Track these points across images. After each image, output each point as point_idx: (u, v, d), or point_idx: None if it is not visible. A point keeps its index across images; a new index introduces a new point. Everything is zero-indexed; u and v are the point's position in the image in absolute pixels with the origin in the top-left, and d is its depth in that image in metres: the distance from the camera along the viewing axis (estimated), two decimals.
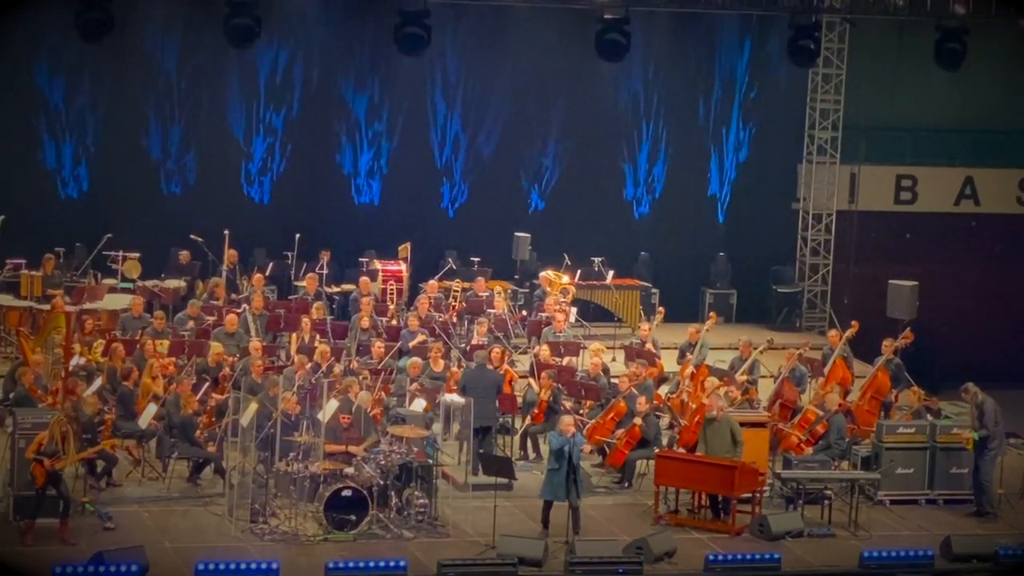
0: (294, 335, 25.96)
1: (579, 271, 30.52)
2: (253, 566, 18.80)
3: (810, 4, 27.58)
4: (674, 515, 21.87)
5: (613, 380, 24.69)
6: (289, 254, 29.79)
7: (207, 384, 23.24)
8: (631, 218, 32.90)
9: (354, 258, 30.57)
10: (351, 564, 19.05)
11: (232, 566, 18.69)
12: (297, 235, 29.71)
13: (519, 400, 24.48)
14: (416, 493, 21.11)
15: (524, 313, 29.51)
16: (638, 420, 22.89)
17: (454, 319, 28.09)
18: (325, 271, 29.51)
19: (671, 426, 24.14)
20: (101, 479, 21.86)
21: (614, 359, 27.41)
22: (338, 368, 23.82)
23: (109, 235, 28.74)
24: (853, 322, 26.08)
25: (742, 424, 22.04)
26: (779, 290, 32.77)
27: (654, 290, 31.33)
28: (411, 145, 31.93)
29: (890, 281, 29.68)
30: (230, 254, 28.79)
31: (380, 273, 29.38)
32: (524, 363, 26.29)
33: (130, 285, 28.34)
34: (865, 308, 29.67)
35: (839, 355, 25.39)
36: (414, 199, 32.01)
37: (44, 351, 24.08)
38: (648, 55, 31.95)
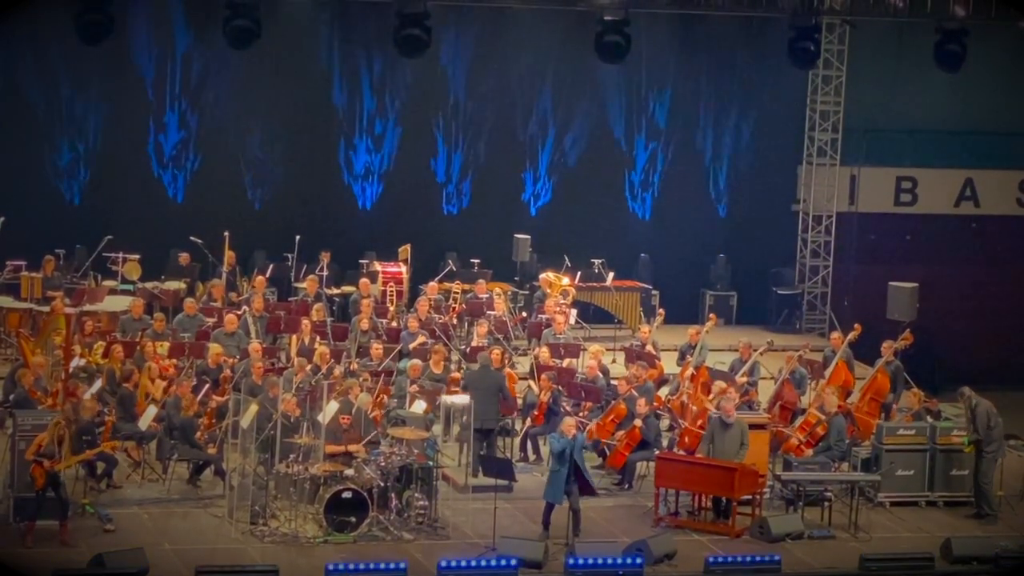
0: (294, 337, 25.96)
1: (579, 273, 30.51)
2: (253, 568, 18.79)
3: (810, 6, 27.58)
4: (674, 517, 21.87)
5: (613, 382, 24.70)
6: (289, 256, 29.79)
7: (207, 386, 23.24)
8: (631, 220, 32.88)
9: (354, 260, 30.57)
10: (351, 566, 19.04)
11: (232, 568, 18.68)
12: (297, 237, 29.71)
13: (519, 402, 24.47)
14: (416, 495, 21.10)
15: (524, 315, 29.51)
16: (638, 422, 22.88)
17: (454, 321, 28.10)
18: (325, 273, 29.50)
19: (671, 428, 24.14)
20: (101, 481, 21.86)
21: (614, 361, 27.40)
22: (338, 370, 23.83)
23: (109, 237, 28.73)
24: (856, 325, 26.08)
25: None
26: (779, 292, 32.75)
27: (654, 292, 31.32)
28: (411, 147, 31.91)
29: (890, 283, 29.65)
30: (230, 255, 28.79)
31: (380, 275, 29.37)
32: (524, 365, 26.28)
33: (130, 287, 28.33)
34: (865, 310, 29.64)
35: (841, 357, 25.39)
36: (414, 201, 31.99)
37: (44, 353, 24.06)
38: (648, 57, 31.92)
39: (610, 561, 19.53)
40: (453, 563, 19.21)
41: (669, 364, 26.36)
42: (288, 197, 31.47)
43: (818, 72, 31.99)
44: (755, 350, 25.59)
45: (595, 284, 30.57)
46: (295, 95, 31.32)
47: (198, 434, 22.10)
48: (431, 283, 28.93)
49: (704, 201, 33.08)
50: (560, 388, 24.18)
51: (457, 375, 24.32)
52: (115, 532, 20.38)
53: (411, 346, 25.65)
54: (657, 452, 22.76)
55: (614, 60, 26.60)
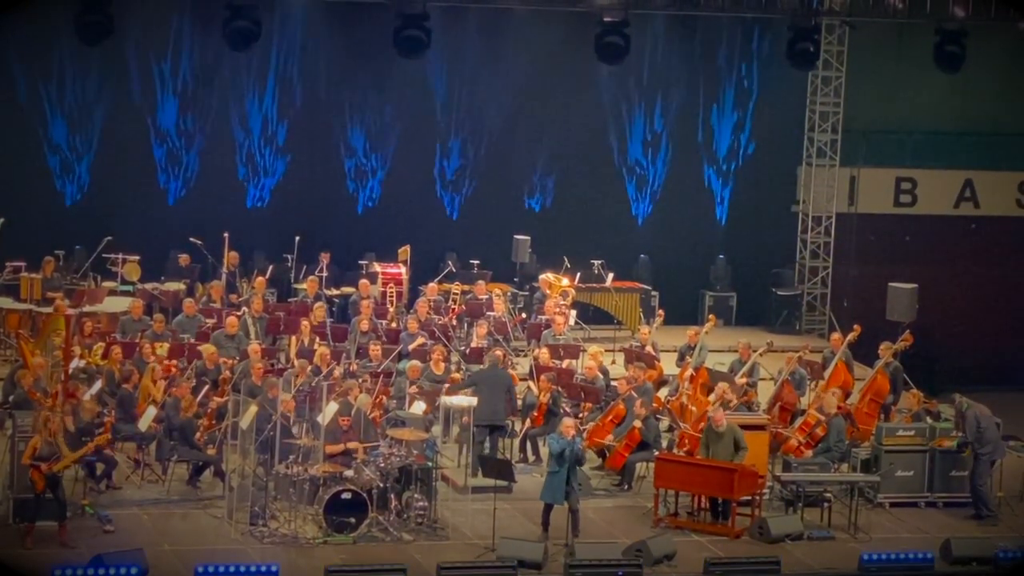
0: (294, 338, 25.96)
1: (579, 274, 30.50)
2: (253, 569, 18.81)
3: (809, 7, 27.61)
4: (674, 518, 21.87)
5: (612, 383, 24.70)
6: (289, 257, 29.79)
7: (207, 387, 23.25)
8: (631, 221, 32.88)
9: (354, 261, 30.56)
10: (351, 567, 19.04)
11: (232, 569, 18.71)
12: (297, 238, 29.70)
13: (519, 403, 24.48)
14: (416, 496, 21.10)
15: (524, 316, 29.51)
16: (637, 423, 22.88)
17: (454, 322, 28.10)
18: (325, 274, 29.49)
19: (671, 429, 24.14)
20: (101, 481, 21.87)
21: (614, 362, 27.40)
22: (338, 371, 23.83)
23: (109, 237, 28.72)
24: (855, 326, 26.08)
25: (741, 427, 22.03)
26: (779, 293, 32.74)
27: (654, 293, 31.31)
28: (411, 147, 31.90)
29: (889, 284, 29.63)
30: (230, 256, 28.79)
31: (380, 276, 29.35)
32: (523, 366, 26.28)
33: (130, 288, 28.32)
34: (865, 311, 29.66)
35: (840, 358, 25.39)
36: (414, 202, 31.98)
37: (44, 354, 24.06)
38: (648, 58, 31.94)
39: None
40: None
41: (668, 365, 26.37)
42: (288, 198, 31.47)
43: (818, 73, 31.97)
44: (755, 351, 25.60)
45: (595, 285, 30.56)
46: (294, 95, 31.32)
47: (197, 435, 22.10)
48: (431, 284, 28.92)
49: (704, 202, 33.07)
50: (559, 389, 24.17)
51: (457, 376, 24.33)
52: (115, 533, 20.38)
53: (410, 347, 25.65)
54: (657, 453, 22.76)
55: (614, 61, 26.63)
